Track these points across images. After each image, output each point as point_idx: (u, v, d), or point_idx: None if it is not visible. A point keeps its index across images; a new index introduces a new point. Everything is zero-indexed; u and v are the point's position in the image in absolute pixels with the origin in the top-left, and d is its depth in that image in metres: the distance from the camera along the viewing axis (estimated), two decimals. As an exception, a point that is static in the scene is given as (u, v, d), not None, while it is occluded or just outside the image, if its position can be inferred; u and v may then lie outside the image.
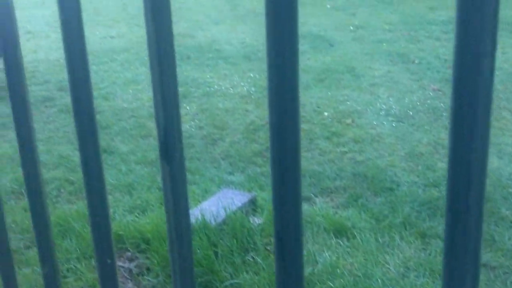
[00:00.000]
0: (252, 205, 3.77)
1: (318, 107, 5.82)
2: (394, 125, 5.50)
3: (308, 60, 7.45)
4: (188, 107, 6.00)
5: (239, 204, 3.64)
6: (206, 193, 4.02)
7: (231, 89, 6.51)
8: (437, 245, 3.53)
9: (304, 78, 6.75)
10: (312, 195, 4.17)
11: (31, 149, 1.26)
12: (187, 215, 1.01)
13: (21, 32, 7.74)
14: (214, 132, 5.41)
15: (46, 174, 4.34)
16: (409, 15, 10.14)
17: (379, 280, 3.10)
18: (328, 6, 10.82)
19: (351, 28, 9.19)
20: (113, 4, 11.94)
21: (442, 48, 7.93)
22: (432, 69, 7.06)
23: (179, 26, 9.50)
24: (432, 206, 4.02)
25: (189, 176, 4.46)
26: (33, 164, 1.26)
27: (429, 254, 3.43)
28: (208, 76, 6.97)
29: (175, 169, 0.97)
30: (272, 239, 3.44)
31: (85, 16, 0.98)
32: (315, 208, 3.90)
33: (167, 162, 0.96)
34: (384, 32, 9.01)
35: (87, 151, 1.08)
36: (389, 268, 3.28)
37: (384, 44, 8.28)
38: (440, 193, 4.21)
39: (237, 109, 5.93)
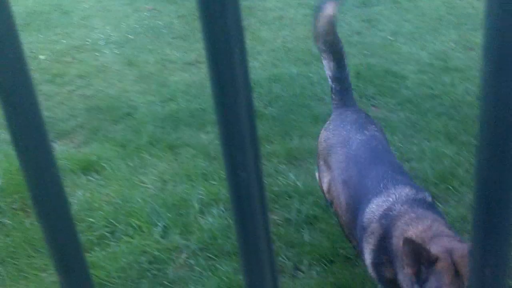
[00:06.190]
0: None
1: (32, 52, 5.34)
2: (117, 52, 5.31)
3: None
4: None
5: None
6: None
7: None
8: (187, 152, 3.54)
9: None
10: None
11: None
12: None
13: None
14: None
15: None
16: None
17: (140, 200, 3.02)
18: None
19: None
20: None
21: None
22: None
23: None
24: (174, 119, 4.01)
25: None
26: None
27: (181, 162, 3.44)
28: None
29: None
30: (17, 197, 3.12)
31: None
32: (55, 153, 3.62)
33: None
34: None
35: None
36: (147, 187, 3.20)
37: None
38: (178, 106, 4.21)
39: None
